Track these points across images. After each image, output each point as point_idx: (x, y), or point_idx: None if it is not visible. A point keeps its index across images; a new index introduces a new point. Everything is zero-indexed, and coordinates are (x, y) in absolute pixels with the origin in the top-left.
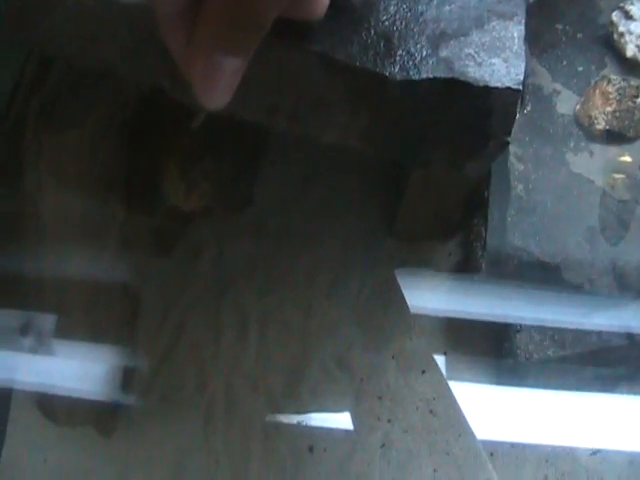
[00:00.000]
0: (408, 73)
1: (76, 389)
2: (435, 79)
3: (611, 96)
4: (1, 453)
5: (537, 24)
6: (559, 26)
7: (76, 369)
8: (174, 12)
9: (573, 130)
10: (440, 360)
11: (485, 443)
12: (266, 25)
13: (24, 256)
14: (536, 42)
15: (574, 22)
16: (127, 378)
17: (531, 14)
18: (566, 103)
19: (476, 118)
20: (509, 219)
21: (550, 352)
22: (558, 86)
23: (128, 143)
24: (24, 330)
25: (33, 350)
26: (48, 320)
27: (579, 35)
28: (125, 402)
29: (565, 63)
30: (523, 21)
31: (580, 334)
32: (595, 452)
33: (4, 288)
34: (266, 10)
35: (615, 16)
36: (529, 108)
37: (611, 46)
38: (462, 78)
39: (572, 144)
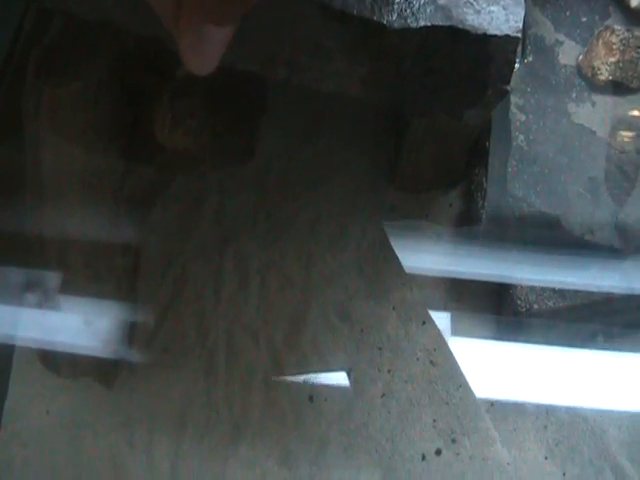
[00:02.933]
0: (406, 21)
1: (79, 344)
2: (433, 27)
3: (614, 47)
4: (4, 405)
5: None
6: None
7: (79, 323)
8: None
9: (575, 81)
10: (444, 315)
11: (486, 394)
12: None
13: (26, 210)
14: None
15: None
16: (129, 330)
17: None
18: (569, 54)
19: (475, 66)
20: (510, 169)
21: (551, 303)
22: (561, 36)
23: (128, 93)
24: (29, 286)
25: (38, 306)
26: (52, 276)
27: None
28: (128, 354)
29: (568, 13)
30: None
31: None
32: (593, 405)
33: (7, 244)
34: None
35: None
36: (531, 58)
37: None
38: (460, 26)
39: (574, 95)
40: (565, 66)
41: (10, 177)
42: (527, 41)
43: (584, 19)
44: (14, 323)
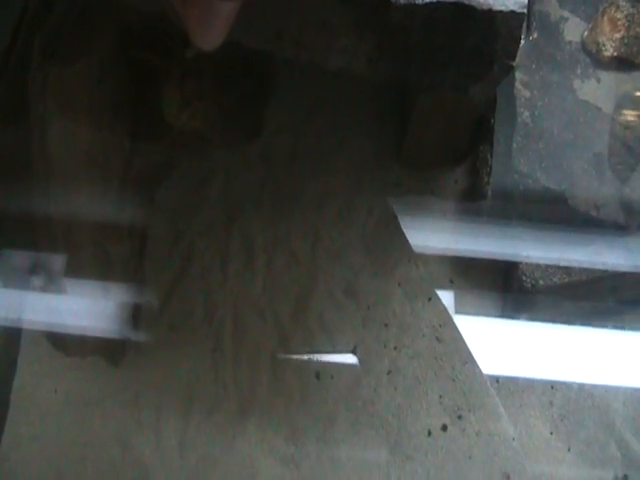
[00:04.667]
0: None
1: (86, 324)
2: (439, 3)
3: (619, 22)
4: (12, 384)
5: None
6: None
7: (86, 303)
8: None
9: (580, 57)
10: (448, 292)
11: (491, 370)
12: None
13: (33, 191)
14: None
15: None
16: (136, 308)
17: None
18: (574, 30)
19: (481, 42)
20: (515, 146)
21: (556, 279)
22: (566, 13)
23: (133, 72)
24: (35, 268)
25: (43, 288)
26: (57, 258)
27: None
28: (134, 333)
29: None
30: None
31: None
32: (598, 380)
33: (14, 224)
34: None
35: None
36: (536, 35)
37: None
38: (466, 2)
39: (579, 71)
40: (570, 42)
41: (17, 158)
42: (532, 17)
43: None
44: (21, 303)
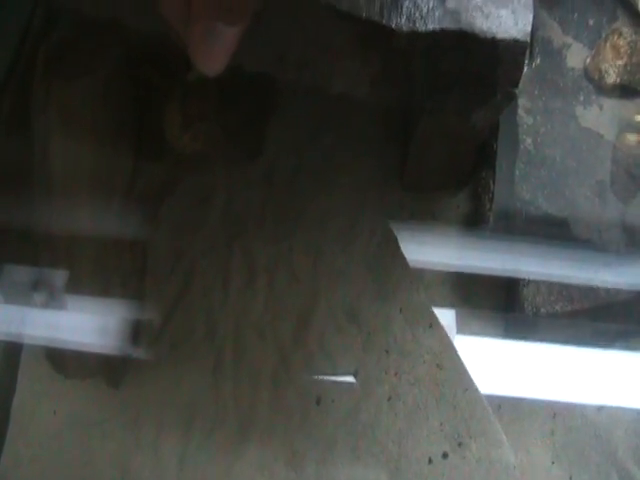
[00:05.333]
0: (415, 25)
1: (86, 342)
2: (442, 31)
3: (622, 50)
4: (11, 405)
5: None
6: None
7: (86, 322)
8: None
9: (583, 84)
10: (449, 313)
11: (493, 397)
12: None
13: (34, 207)
14: None
15: None
16: (137, 327)
17: None
18: (576, 56)
19: (483, 69)
20: (517, 172)
21: (558, 307)
22: (568, 39)
23: (136, 90)
24: (36, 284)
25: (44, 305)
26: (59, 274)
27: None
28: (135, 352)
29: (576, 16)
30: None
31: (588, 289)
32: (600, 408)
33: (15, 240)
34: None
35: None
36: (538, 61)
37: None
38: (469, 30)
39: (582, 98)
40: (573, 69)
41: (20, 169)
42: (535, 43)
43: (591, 22)
44: (22, 321)
